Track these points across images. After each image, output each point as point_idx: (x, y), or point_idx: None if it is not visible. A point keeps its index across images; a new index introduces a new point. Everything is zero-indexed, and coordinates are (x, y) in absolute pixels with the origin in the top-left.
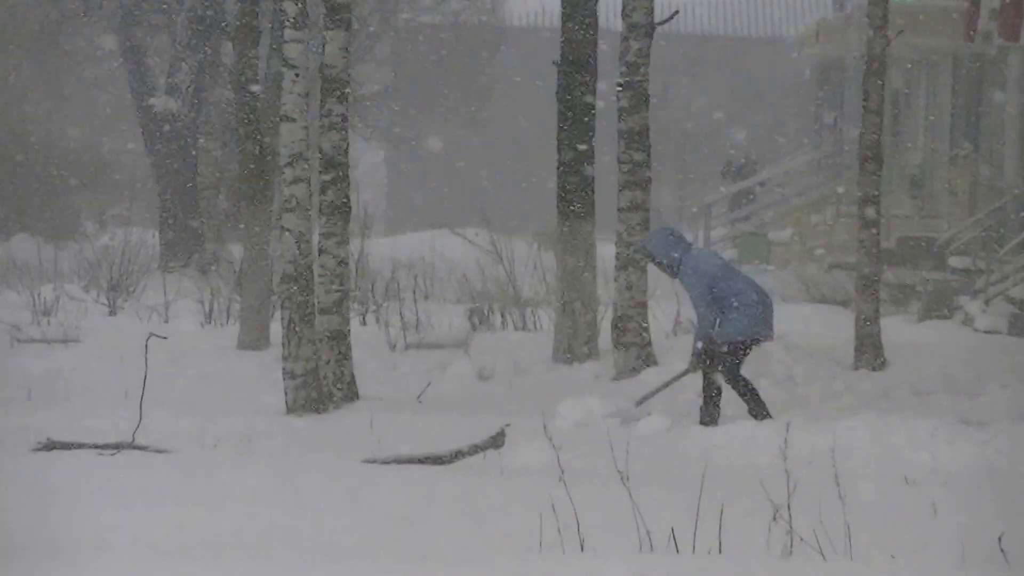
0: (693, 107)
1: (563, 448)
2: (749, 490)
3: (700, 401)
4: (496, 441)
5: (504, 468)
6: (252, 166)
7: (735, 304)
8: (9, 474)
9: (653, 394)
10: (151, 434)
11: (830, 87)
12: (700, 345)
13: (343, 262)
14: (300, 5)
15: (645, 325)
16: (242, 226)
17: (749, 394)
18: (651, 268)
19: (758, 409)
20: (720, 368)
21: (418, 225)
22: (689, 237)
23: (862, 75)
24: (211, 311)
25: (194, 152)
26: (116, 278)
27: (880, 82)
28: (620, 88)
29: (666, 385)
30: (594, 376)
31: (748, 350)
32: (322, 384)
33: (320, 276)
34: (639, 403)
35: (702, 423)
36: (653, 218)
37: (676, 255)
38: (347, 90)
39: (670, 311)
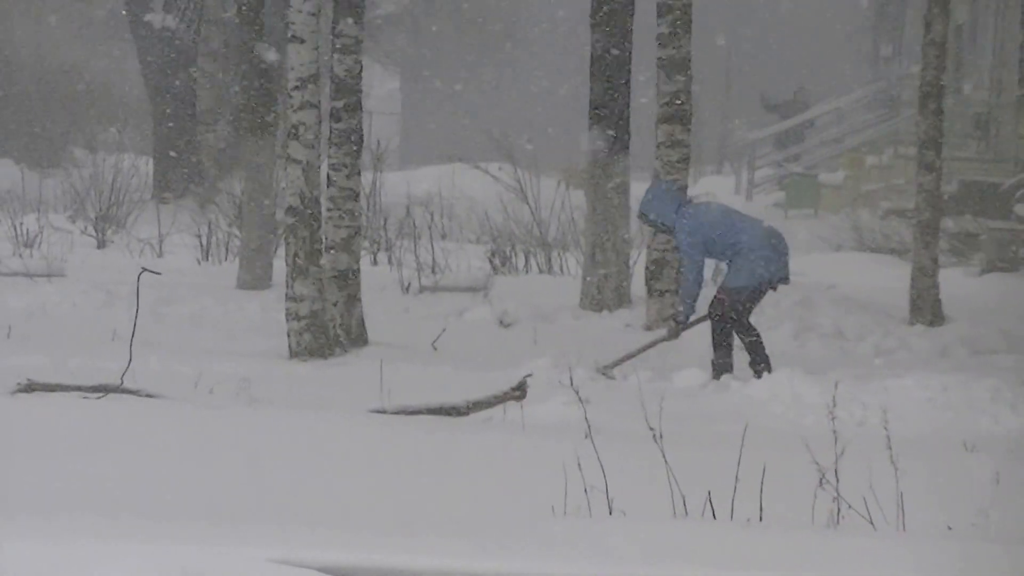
0: (739, 36)
1: (591, 402)
2: (793, 453)
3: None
4: (517, 393)
5: (526, 423)
6: (256, 90)
7: (742, 251)
8: None
9: (622, 360)
10: (141, 378)
11: (889, 17)
12: (683, 311)
13: (354, 196)
14: None
15: (681, 272)
16: (244, 155)
17: (754, 345)
18: None
19: (759, 363)
20: (729, 315)
21: (435, 158)
22: (718, 186)
23: (924, 4)
24: (209, 246)
25: (193, 73)
26: (105, 208)
27: (944, 12)
28: (660, 12)
29: (640, 351)
30: (625, 325)
31: (758, 298)
32: (328, 328)
33: (329, 211)
34: (605, 369)
35: (715, 376)
36: (694, 155)
37: (669, 213)
38: (362, 9)
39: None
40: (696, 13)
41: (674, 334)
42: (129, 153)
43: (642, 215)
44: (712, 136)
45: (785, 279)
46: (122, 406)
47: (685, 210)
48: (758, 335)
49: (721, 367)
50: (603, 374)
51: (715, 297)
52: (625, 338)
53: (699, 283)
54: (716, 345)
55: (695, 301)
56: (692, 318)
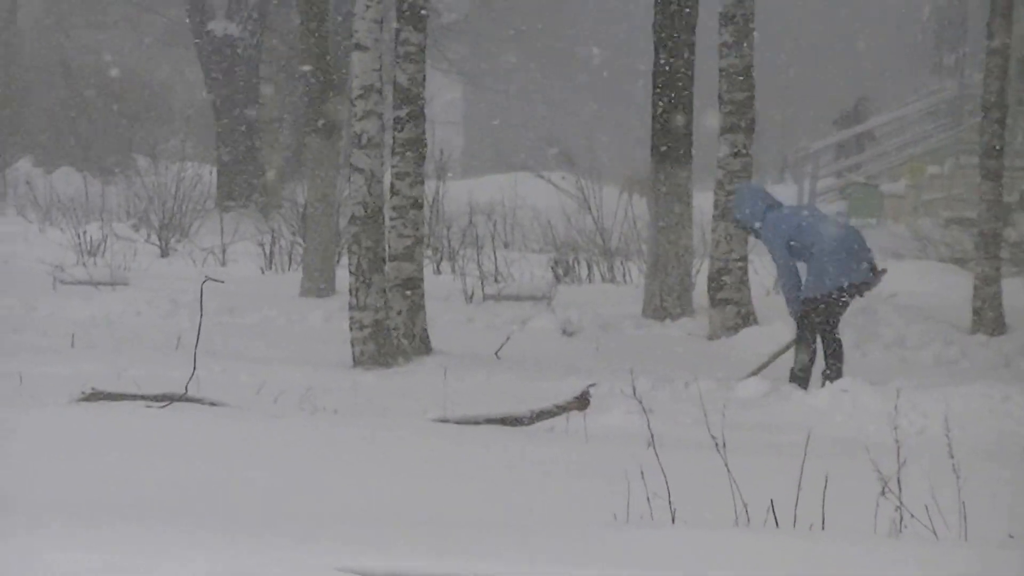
0: (801, 46)
1: (654, 412)
2: (855, 462)
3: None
4: (581, 402)
5: (589, 432)
6: (320, 98)
7: (814, 256)
8: (49, 426)
9: (761, 368)
10: (205, 386)
11: (951, 26)
12: (792, 310)
13: (417, 205)
14: None
15: (744, 281)
16: (308, 164)
17: (834, 355)
18: None
19: (832, 374)
20: (816, 323)
21: (498, 167)
22: (779, 195)
23: (986, 13)
24: (272, 255)
25: (256, 82)
26: (169, 217)
27: (1007, 21)
28: (722, 21)
29: (774, 357)
30: (687, 334)
31: (841, 303)
32: (392, 336)
33: (392, 219)
34: (746, 378)
35: (791, 380)
36: (755, 165)
37: (757, 214)
38: (425, 18)
39: (772, 266)
40: (757, 23)
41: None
42: (192, 161)
43: (733, 217)
44: (773, 146)
45: (866, 284)
46: (186, 415)
47: (771, 213)
48: (840, 347)
49: (798, 377)
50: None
51: (801, 315)
52: (687, 347)
53: (796, 280)
54: (797, 351)
55: (798, 298)
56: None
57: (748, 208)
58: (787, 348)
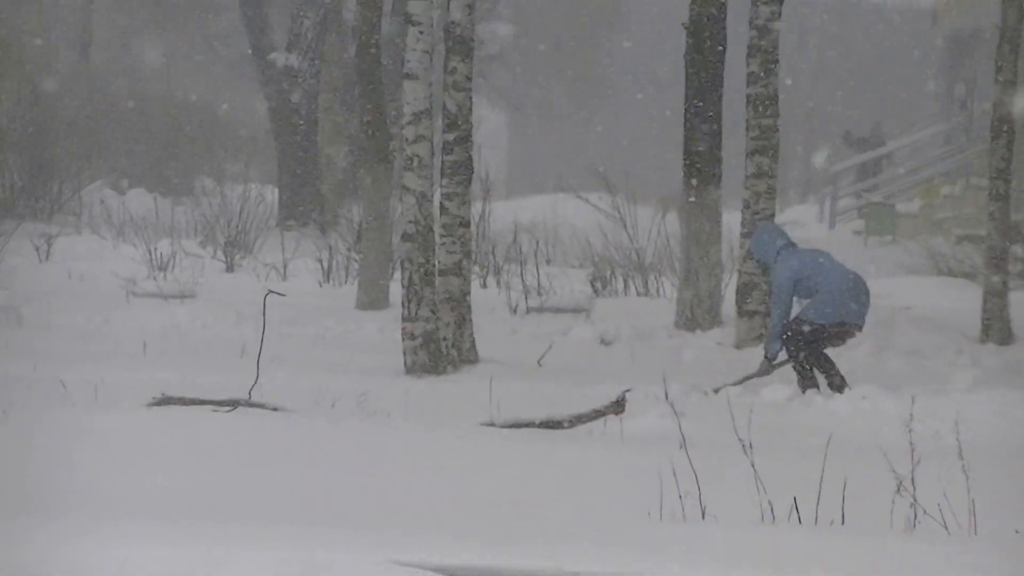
0: (823, 75)
1: (685, 416)
2: (873, 463)
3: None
4: (617, 407)
5: (625, 435)
6: (374, 124)
7: (822, 290)
8: (122, 429)
9: (721, 388)
10: (268, 392)
11: (963, 57)
12: (775, 347)
13: (465, 223)
14: None
15: (769, 293)
16: (363, 185)
17: (827, 367)
18: None
19: (837, 381)
20: (800, 348)
21: (540, 188)
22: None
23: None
24: (330, 270)
25: (315, 109)
26: (234, 235)
27: (1013, 53)
28: (750, 52)
29: (736, 384)
30: (716, 344)
31: (832, 336)
32: (441, 346)
33: (441, 237)
34: (708, 392)
35: (802, 390)
36: (780, 186)
37: (771, 254)
38: (472, 49)
39: None
40: (781, 54)
41: (765, 371)
42: (255, 183)
43: (749, 253)
44: (797, 168)
45: (857, 325)
46: (250, 418)
47: (784, 254)
48: (830, 363)
49: (806, 385)
50: (705, 393)
51: (778, 348)
52: (717, 355)
53: (782, 324)
54: (796, 371)
55: (779, 343)
56: (781, 356)
57: (763, 247)
58: (746, 380)
